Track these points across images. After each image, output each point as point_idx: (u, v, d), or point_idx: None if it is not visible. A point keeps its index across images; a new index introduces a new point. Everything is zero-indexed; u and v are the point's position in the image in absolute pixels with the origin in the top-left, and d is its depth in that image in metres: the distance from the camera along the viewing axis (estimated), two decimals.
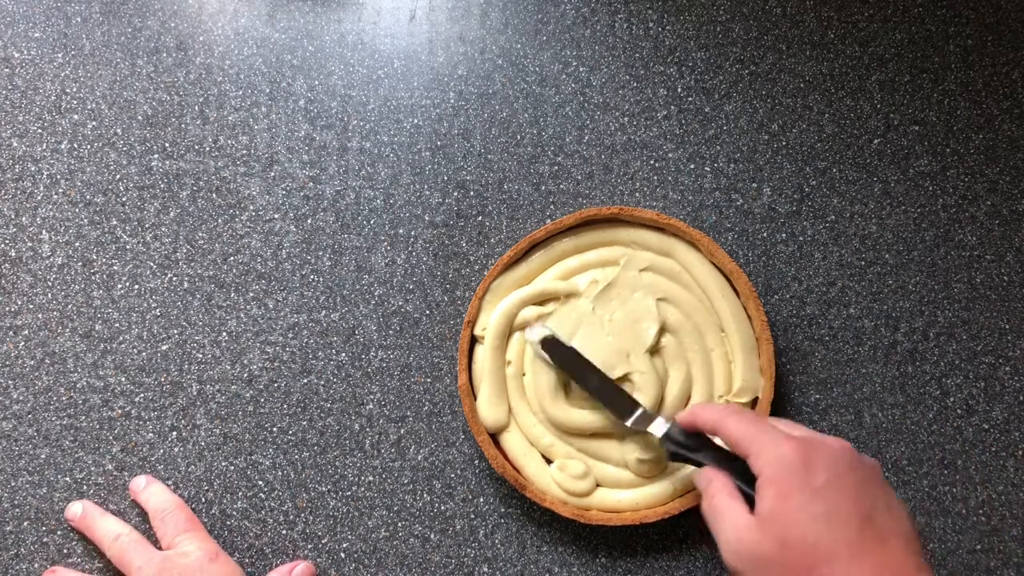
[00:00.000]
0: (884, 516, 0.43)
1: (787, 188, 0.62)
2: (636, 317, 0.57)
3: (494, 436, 0.58)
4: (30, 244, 0.61)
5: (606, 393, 0.56)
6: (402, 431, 0.60)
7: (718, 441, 0.50)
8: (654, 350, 0.58)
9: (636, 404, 0.55)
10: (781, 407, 0.60)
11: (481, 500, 0.59)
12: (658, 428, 0.53)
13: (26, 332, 0.61)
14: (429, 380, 0.60)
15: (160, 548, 0.57)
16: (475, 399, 0.58)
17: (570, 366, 0.56)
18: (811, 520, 0.42)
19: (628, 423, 0.54)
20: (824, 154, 0.62)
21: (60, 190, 0.62)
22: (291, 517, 0.59)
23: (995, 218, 0.62)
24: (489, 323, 0.58)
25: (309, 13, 0.64)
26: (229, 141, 0.62)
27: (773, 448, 0.44)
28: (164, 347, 0.61)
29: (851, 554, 0.41)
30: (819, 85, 0.63)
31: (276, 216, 0.62)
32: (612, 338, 0.57)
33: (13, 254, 0.61)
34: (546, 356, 0.56)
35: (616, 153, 0.62)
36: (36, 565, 0.59)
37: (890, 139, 0.63)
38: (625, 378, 0.57)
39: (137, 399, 0.60)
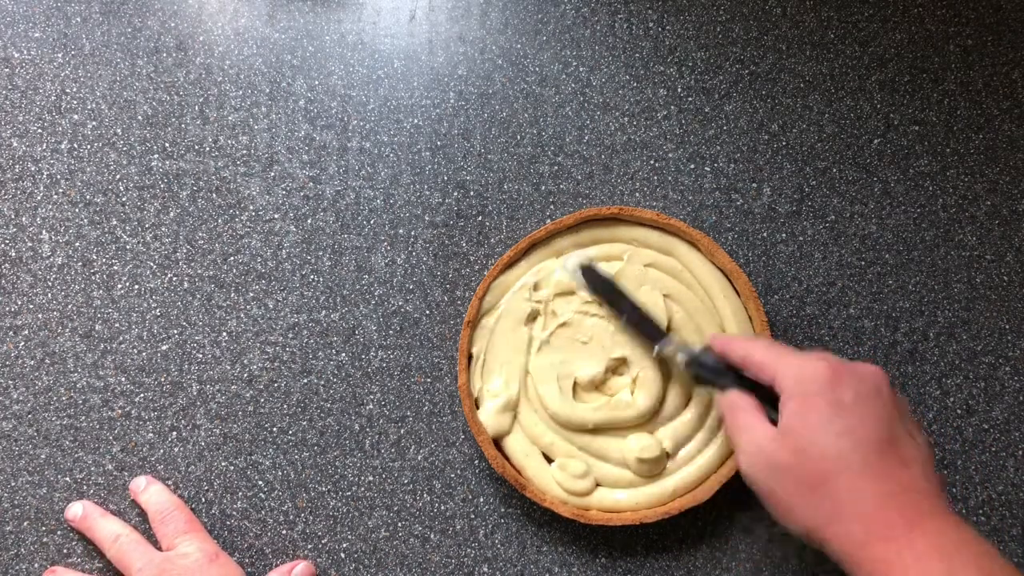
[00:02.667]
0: (908, 443, 0.43)
1: (787, 188, 0.62)
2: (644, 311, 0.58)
3: (495, 437, 0.58)
4: (30, 244, 0.61)
5: (636, 320, 0.56)
6: (402, 431, 0.60)
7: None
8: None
9: (664, 331, 0.56)
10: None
11: (481, 500, 0.59)
12: (685, 353, 0.53)
13: (26, 332, 0.61)
14: (429, 380, 0.60)
15: (160, 549, 0.57)
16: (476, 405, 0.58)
17: (605, 292, 0.57)
18: (832, 434, 0.42)
19: (656, 350, 0.55)
20: (824, 154, 0.62)
21: (60, 190, 0.62)
22: (291, 517, 0.59)
23: (995, 218, 0.62)
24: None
25: (309, 13, 0.64)
26: (229, 141, 0.62)
27: (799, 367, 0.45)
28: (164, 347, 0.61)
29: (867, 470, 0.41)
30: (819, 85, 0.63)
31: (276, 216, 0.62)
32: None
33: (13, 254, 0.61)
34: (583, 280, 0.57)
35: (616, 153, 0.62)
36: (36, 565, 0.59)
37: (890, 139, 0.63)
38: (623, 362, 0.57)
39: (137, 399, 0.60)
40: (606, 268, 0.58)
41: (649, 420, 0.57)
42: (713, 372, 0.52)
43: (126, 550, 0.56)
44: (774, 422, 0.46)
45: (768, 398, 0.48)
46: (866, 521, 0.41)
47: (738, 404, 0.48)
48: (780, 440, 0.44)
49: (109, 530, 0.57)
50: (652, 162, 0.62)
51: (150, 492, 0.58)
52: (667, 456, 0.57)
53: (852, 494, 0.41)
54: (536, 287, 0.58)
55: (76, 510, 0.58)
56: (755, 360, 0.48)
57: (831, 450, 0.42)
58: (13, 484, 0.59)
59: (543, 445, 0.58)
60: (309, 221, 0.62)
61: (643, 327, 0.56)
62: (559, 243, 0.59)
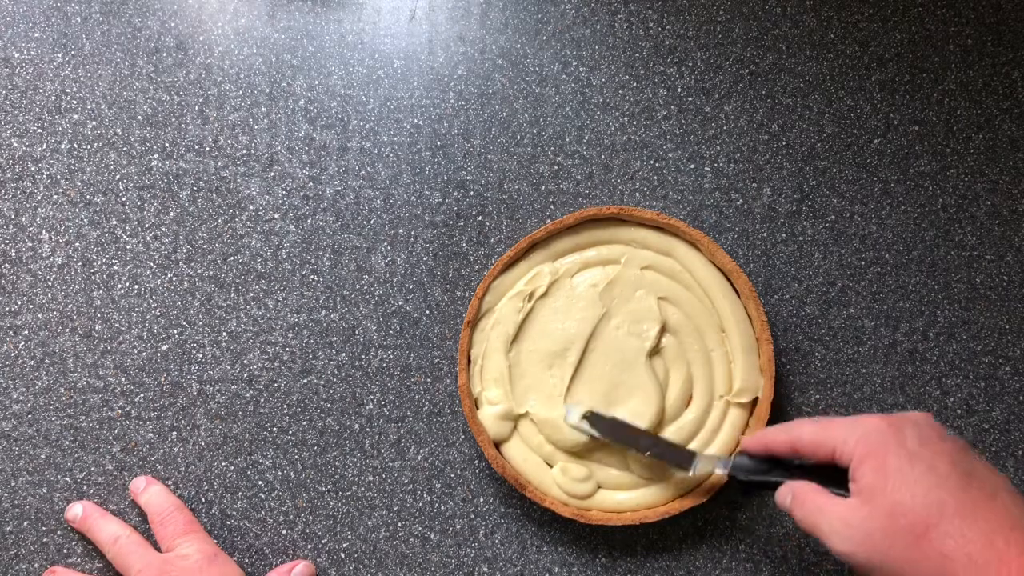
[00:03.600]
0: (985, 473, 0.42)
1: (787, 188, 0.62)
2: (638, 317, 0.57)
3: (494, 441, 0.58)
4: (30, 244, 0.61)
5: (660, 451, 0.55)
6: (402, 431, 0.60)
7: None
8: (654, 351, 0.58)
9: (692, 453, 0.54)
10: (781, 407, 0.60)
11: (481, 500, 0.59)
12: (724, 467, 0.52)
13: (26, 332, 0.61)
14: (429, 380, 0.60)
15: (160, 550, 0.57)
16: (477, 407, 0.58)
17: (618, 434, 0.56)
18: (915, 482, 0.41)
19: (691, 473, 0.54)
20: (824, 154, 0.62)
21: (60, 190, 0.62)
22: (291, 517, 0.59)
23: (995, 218, 0.62)
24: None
25: (309, 13, 0.64)
26: (229, 141, 0.62)
27: (857, 428, 0.44)
28: (164, 347, 0.61)
29: (962, 510, 0.40)
30: (819, 85, 0.63)
31: (276, 216, 0.62)
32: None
33: (13, 254, 0.61)
34: (593, 432, 0.56)
35: (616, 153, 0.62)
36: (36, 565, 0.59)
37: (890, 139, 0.63)
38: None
39: (137, 399, 0.60)
40: (606, 413, 0.57)
41: (655, 423, 0.57)
42: (758, 473, 0.49)
43: (126, 552, 0.56)
44: (841, 496, 0.44)
45: (823, 477, 0.46)
46: (978, 565, 0.39)
47: (802, 492, 0.46)
48: (867, 506, 0.42)
49: (109, 532, 0.57)
50: (652, 162, 0.62)
51: (149, 493, 0.58)
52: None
53: (957, 540, 0.39)
54: (531, 296, 0.58)
55: (76, 511, 0.58)
56: (805, 442, 0.46)
57: (921, 498, 0.40)
58: (13, 484, 0.59)
59: (543, 454, 0.58)
60: (309, 221, 0.62)
61: (669, 456, 0.54)
62: (559, 243, 0.59)
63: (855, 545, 0.42)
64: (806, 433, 0.46)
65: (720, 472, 0.52)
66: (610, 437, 0.55)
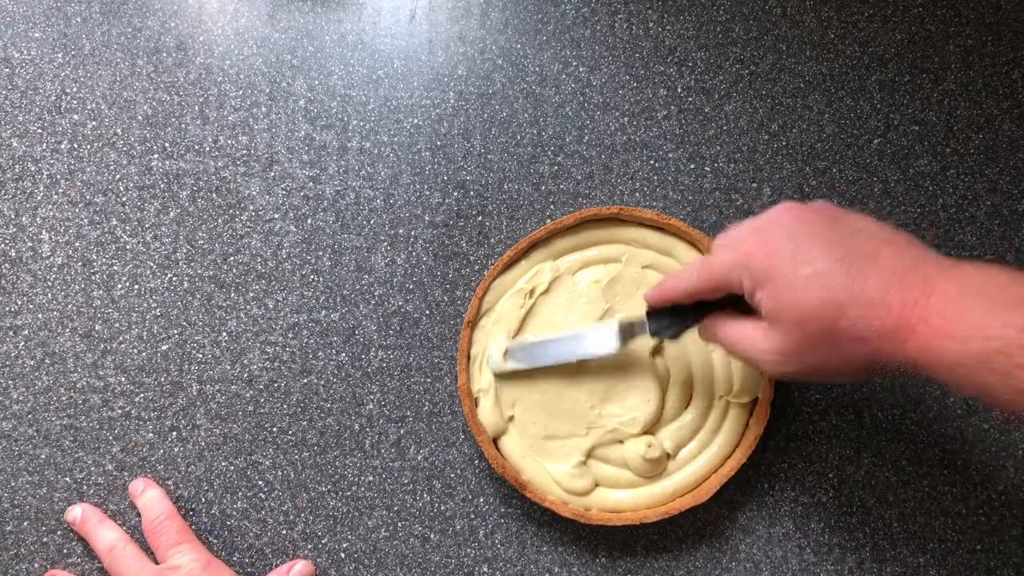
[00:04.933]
0: (860, 239, 0.43)
1: (787, 188, 0.62)
2: (641, 313, 0.57)
3: (494, 438, 0.58)
4: (30, 244, 0.61)
5: (581, 348, 0.56)
6: (402, 431, 0.60)
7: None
8: (656, 350, 0.58)
9: (609, 328, 0.55)
10: (781, 407, 0.60)
11: (481, 500, 0.59)
12: (642, 329, 0.53)
13: (26, 332, 0.61)
14: (429, 380, 0.60)
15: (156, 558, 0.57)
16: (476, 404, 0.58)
17: (538, 355, 0.56)
18: (804, 289, 0.42)
19: (615, 350, 0.54)
20: (824, 154, 0.62)
21: (60, 190, 0.62)
22: (291, 517, 0.59)
23: (995, 218, 0.62)
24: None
25: (309, 13, 0.64)
26: (229, 141, 0.62)
27: (736, 262, 0.45)
28: (164, 347, 0.61)
29: (854, 293, 0.41)
30: (819, 85, 0.63)
31: (276, 216, 0.62)
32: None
33: (13, 254, 0.61)
34: (517, 366, 0.56)
35: (616, 153, 0.62)
36: (36, 565, 0.59)
37: (890, 139, 0.62)
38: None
39: (137, 399, 0.60)
40: (520, 344, 0.57)
41: (653, 421, 0.57)
42: (677, 324, 0.51)
43: (120, 563, 0.56)
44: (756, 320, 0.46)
45: (729, 302, 0.48)
46: (886, 324, 0.41)
47: (718, 326, 0.48)
48: (775, 327, 0.44)
49: (106, 540, 0.57)
50: (652, 162, 0.62)
51: (145, 498, 0.58)
52: (668, 456, 0.57)
53: (859, 316, 0.41)
54: (532, 293, 0.58)
55: (75, 513, 0.58)
56: (699, 288, 0.48)
57: (815, 300, 0.42)
58: (13, 484, 0.59)
59: (539, 443, 0.58)
60: (309, 221, 0.62)
61: (592, 347, 0.55)
62: (559, 243, 0.59)
63: (784, 365, 0.45)
64: (696, 281, 0.48)
65: (644, 336, 0.53)
66: (532, 363, 0.56)
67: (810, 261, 0.43)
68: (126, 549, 0.57)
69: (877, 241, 0.43)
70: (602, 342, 0.55)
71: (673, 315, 0.51)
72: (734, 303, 0.48)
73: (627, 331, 0.54)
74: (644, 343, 0.57)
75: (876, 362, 0.42)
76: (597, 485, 0.57)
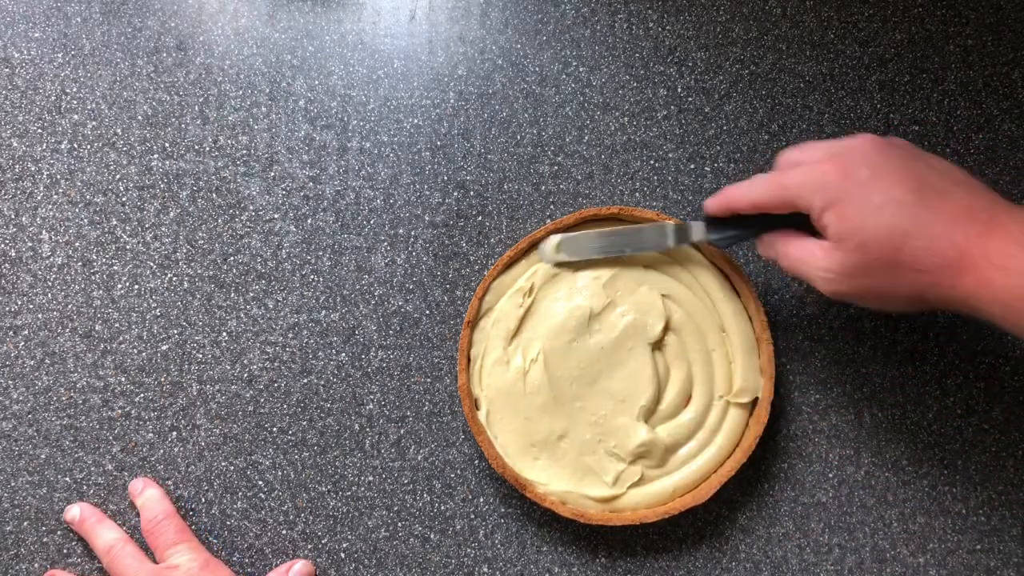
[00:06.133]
0: (935, 175, 0.45)
1: None
2: (643, 309, 0.57)
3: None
4: (30, 244, 0.61)
5: (637, 240, 0.57)
6: (402, 431, 0.60)
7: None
8: (657, 346, 0.58)
9: (664, 225, 0.56)
10: (781, 407, 0.60)
11: (481, 500, 0.59)
12: (699, 233, 0.54)
13: (26, 332, 0.61)
14: (429, 380, 0.60)
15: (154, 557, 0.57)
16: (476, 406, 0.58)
17: (590, 249, 0.57)
18: (874, 214, 0.44)
19: (671, 246, 0.56)
20: None
21: (60, 190, 0.62)
22: (291, 517, 0.59)
23: None
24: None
25: (309, 13, 0.64)
26: (229, 141, 0.62)
27: (810, 179, 0.46)
28: (164, 347, 0.61)
29: (921, 225, 0.43)
30: (819, 85, 0.63)
31: (276, 216, 0.62)
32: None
33: (13, 254, 0.61)
34: (567, 257, 0.57)
35: (616, 153, 0.62)
36: (36, 565, 0.59)
37: None
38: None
39: (137, 399, 0.60)
40: (575, 239, 0.58)
41: (649, 413, 0.57)
42: (733, 233, 0.52)
43: (119, 562, 0.56)
44: (818, 236, 0.47)
45: (794, 220, 0.49)
46: (948, 260, 0.43)
47: (781, 243, 0.49)
48: (839, 249, 0.45)
49: (104, 539, 0.57)
50: (652, 162, 0.62)
51: (144, 497, 0.58)
52: (667, 450, 0.57)
53: (924, 248, 0.43)
54: (531, 290, 0.58)
55: (74, 513, 0.58)
56: (766, 202, 0.49)
57: (884, 227, 0.44)
58: (13, 484, 0.59)
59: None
60: (309, 221, 0.62)
61: (647, 239, 0.56)
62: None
63: (839, 284, 0.46)
64: (764, 194, 0.49)
65: (700, 239, 0.54)
66: (584, 254, 0.57)
67: (884, 189, 0.44)
68: (125, 549, 0.57)
69: (950, 180, 0.45)
70: (657, 238, 0.56)
71: (732, 225, 0.52)
72: (795, 223, 0.49)
73: (683, 233, 0.55)
74: (651, 332, 0.57)
75: (931, 294, 0.44)
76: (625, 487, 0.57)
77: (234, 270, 0.61)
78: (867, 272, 0.45)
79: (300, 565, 0.57)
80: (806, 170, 0.47)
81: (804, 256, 0.48)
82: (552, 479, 0.57)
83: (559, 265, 0.58)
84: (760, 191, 0.49)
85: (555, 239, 0.58)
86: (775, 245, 0.50)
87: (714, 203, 0.53)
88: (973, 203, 0.44)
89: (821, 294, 0.61)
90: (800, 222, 0.49)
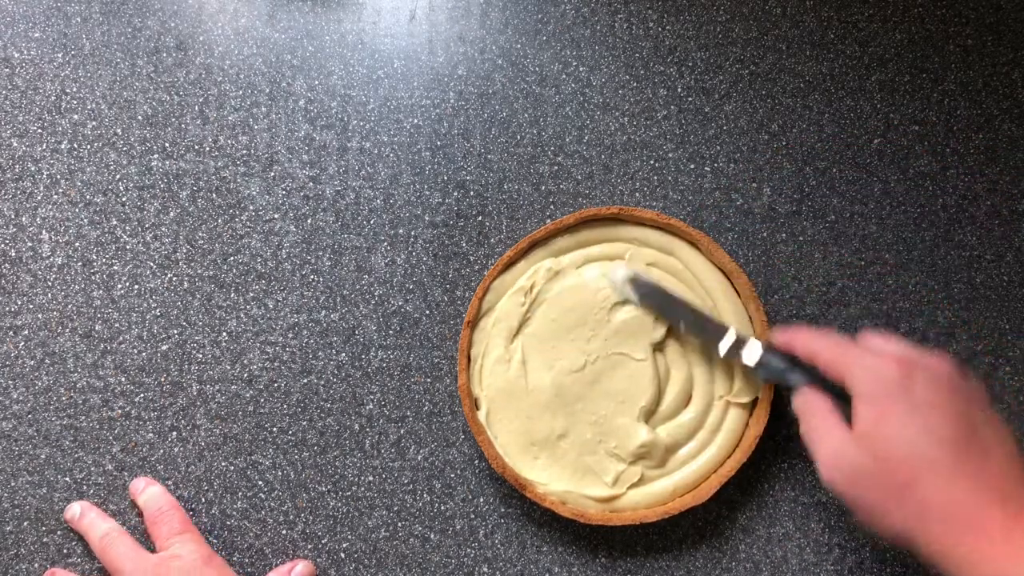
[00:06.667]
0: (986, 433, 0.42)
1: (787, 188, 0.62)
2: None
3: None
4: (30, 244, 0.61)
5: (696, 323, 0.56)
6: (402, 431, 0.60)
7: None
8: (658, 346, 0.58)
9: (725, 327, 0.55)
10: (781, 407, 0.60)
11: (481, 500, 0.59)
12: (752, 354, 0.53)
13: (26, 332, 0.61)
14: (429, 380, 0.60)
15: (154, 550, 0.57)
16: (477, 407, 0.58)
17: (656, 301, 0.57)
18: (910, 436, 0.42)
19: (721, 353, 0.54)
20: (824, 154, 0.62)
21: (60, 190, 0.62)
22: (291, 517, 0.59)
23: (995, 218, 0.62)
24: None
25: (309, 13, 0.64)
26: (229, 141, 0.62)
27: (870, 366, 0.44)
28: (164, 347, 0.61)
29: (951, 468, 0.41)
30: (819, 85, 0.63)
31: (276, 216, 0.62)
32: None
33: (13, 254, 0.61)
34: (633, 293, 0.56)
35: (616, 153, 0.62)
36: (36, 565, 0.59)
37: (890, 139, 0.63)
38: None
39: (137, 399, 0.60)
40: (650, 276, 0.57)
41: (650, 413, 0.57)
42: (781, 371, 0.50)
43: (114, 550, 0.56)
44: (850, 418, 0.45)
45: (838, 391, 0.47)
46: (958, 519, 0.40)
47: (812, 407, 0.47)
48: (859, 446, 0.43)
49: (99, 529, 0.57)
50: (652, 162, 0.62)
51: (147, 493, 0.58)
52: (667, 450, 0.57)
53: (940, 494, 0.41)
54: (531, 288, 0.58)
55: (74, 511, 0.58)
56: (823, 359, 0.47)
57: (912, 452, 0.41)
58: (13, 484, 0.59)
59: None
60: (309, 221, 0.62)
61: (705, 330, 0.55)
62: (559, 243, 0.59)
63: (841, 479, 0.43)
64: (825, 352, 0.47)
65: (748, 360, 0.53)
66: (648, 303, 0.56)
67: (934, 419, 0.42)
68: (120, 538, 0.56)
69: (999, 446, 0.42)
70: (714, 335, 0.54)
71: (785, 361, 0.51)
72: (842, 399, 0.47)
73: (739, 347, 0.54)
74: (654, 332, 0.57)
75: (920, 540, 0.41)
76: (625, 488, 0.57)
77: (234, 270, 0.61)
78: (873, 481, 0.42)
79: (302, 566, 0.57)
80: (874, 356, 0.45)
81: (823, 431, 0.45)
82: (552, 479, 0.57)
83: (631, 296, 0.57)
84: (823, 346, 0.47)
85: (627, 274, 0.57)
86: (806, 404, 0.47)
87: (782, 336, 0.51)
88: (1009, 477, 0.41)
89: (821, 295, 0.61)
90: (846, 402, 0.46)
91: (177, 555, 0.55)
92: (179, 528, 0.56)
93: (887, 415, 0.43)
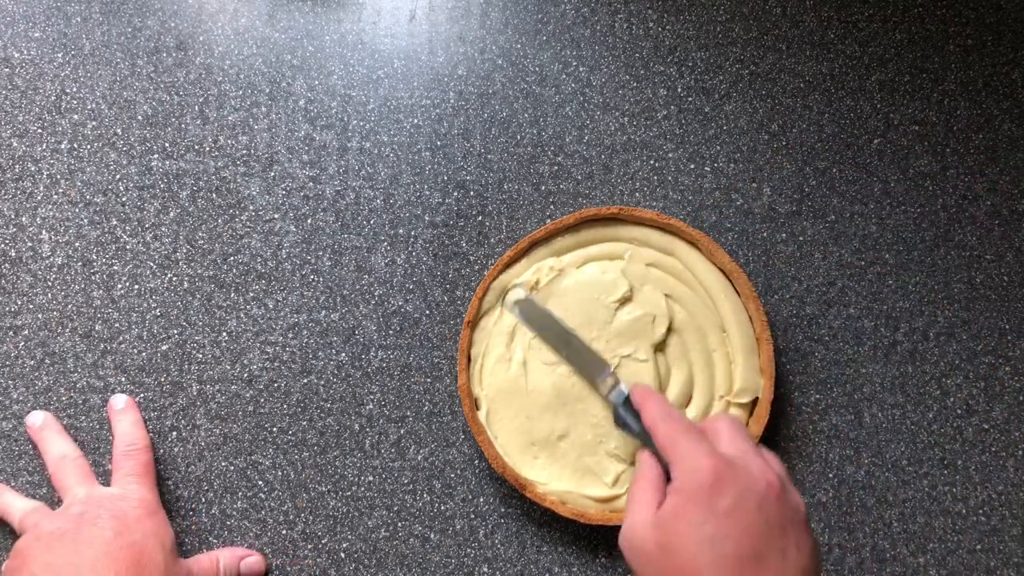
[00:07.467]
0: (776, 562, 0.42)
1: (787, 188, 0.62)
2: (647, 310, 0.57)
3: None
4: (30, 244, 0.61)
5: (578, 358, 0.55)
6: (402, 431, 0.60)
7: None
8: (659, 347, 0.58)
9: (606, 368, 0.54)
10: (781, 407, 0.60)
11: (481, 500, 0.59)
12: (616, 396, 0.52)
13: (26, 332, 0.61)
14: (429, 380, 0.60)
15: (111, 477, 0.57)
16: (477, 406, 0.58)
17: (544, 328, 0.55)
18: (697, 540, 0.42)
19: (602, 392, 0.53)
20: (824, 154, 0.62)
21: (60, 190, 0.62)
22: (291, 517, 0.59)
23: (995, 218, 0.62)
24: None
25: (309, 13, 0.64)
26: (229, 141, 0.62)
27: (691, 460, 0.44)
28: (164, 347, 0.61)
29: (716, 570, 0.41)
30: (819, 85, 0.63)
31: (276, 216, 0.62)
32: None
33: (13, 254, 0.61)
34: (520, 318, 0.56)
35: (616, 153, 0.62)
36: None
37: (890, 139, 0.63)
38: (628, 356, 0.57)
39: (137, 399, 0.60)
40: (540, 302, 0.57)
41: None
42: (634, 426, 0.50)
43: (68, 473, 0.56)
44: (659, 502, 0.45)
45: None
46: None
47: (641, 472, 0.47)
48: (653, 529, 0.43)
49: (58, 448, 0.57)
50: (652, 162, 0.62)
51: (125, 420, 0.58)
52: None
53: None
54: (536, 284, 0.58)
55: (36, 419, 0.58)
56: (657, 436, 0.47)
57: (692, 557, 0.41)
58: (13, 484, 0.59)
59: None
60: (309, 221, 0.62)
61: (584, 365, 0.54)
62: (559, 243, 0.59)
63: (629, 552, 0.45)
64: (661, 436, 0.47)
65: (613, 400, 0.52)
66: (536, 328, 0.56)
67: (723, 533, 0.42)
68: (77, 462, 0.56)
69: (787, 565, 0.42)
70: (593, 380, 0.54)
71: (637, 422, 0.50)
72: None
73: (611, 389, 0.53)
74: (655, 333, 0.57)
75: None
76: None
77: (234, 270, 0.61)
78: (649, 567, 0.43)
79: (255, 558, 0.57)
80: (698, 450, 0.44)
81: (637, 499, 0.45)
82: (552, 479, 0.57)
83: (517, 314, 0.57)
84: (661, 428, 0.47)
85: (521, 294, 0.56)
86: (640, 466, 0.47)
87: (638, 396, 0.50)
88: None
89: (821, 295, 0.61)
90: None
91: (125, 496, 0.54)
92: (140, 469, 0.56)
93: (685, 513, 0.42)
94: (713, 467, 0.43)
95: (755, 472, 0.44)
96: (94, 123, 0.63)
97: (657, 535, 0.43)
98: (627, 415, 0.50)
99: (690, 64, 0.63)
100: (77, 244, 0.61)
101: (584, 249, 0.59)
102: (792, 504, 0.44)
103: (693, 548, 0.42)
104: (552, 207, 0.62)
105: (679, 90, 0.63)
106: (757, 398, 0.57)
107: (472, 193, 0.62)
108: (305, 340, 0.61)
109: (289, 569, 0.58)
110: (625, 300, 0.58)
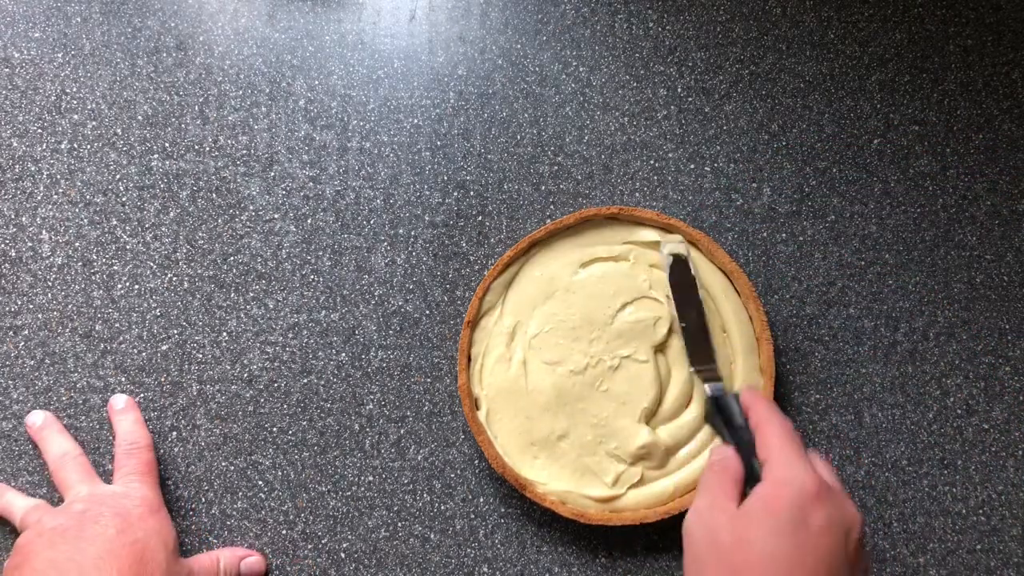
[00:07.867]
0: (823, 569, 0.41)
1: (787, 188, 0.62)
2: (648, 311, 0.57)
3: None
4: (30, 244, 0.61)
5: (691, 336, 0.56)
6: (402, 431, 0.60)
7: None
8: (660, 347, 0.58)
9: (712, 360, 0.56)
10: (781, 407, 0.60)
11: (481, 500, 0.59)
12: (710, 389, 0.53)
13: (26, 332, 0.61)
14: (429, 380, 0.60)
15: (113, 476, 0.56)
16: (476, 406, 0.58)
17: (680, 289, 0.57)
18: (776, 546, 0.41)
19: (692, 368, 0.55)
20: (824, 154, 0.62)
21: (60, 190, 0.62)
22: (291, 517, 0.59)
23: (995, 218, 0.62)
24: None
25: (309, 13, 0.64)
26: (229, 141, 0.62)
27: (794, 470, 0.43)
28: (164, 347, 0.61)
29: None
30: (819, 85, 0.63)
31: (276, 216, 0.62)
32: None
33: (13, 254, 0.61)
34: (666, 266, 0.57)
35: (616, 153, 0.62)
36: None
37: (890, 139, 0.63)
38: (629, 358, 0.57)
39: (137, 399, 0.60)
40: (695, 267, 0.57)
41: (651, 415, 0.57)
42: (725, 420, 0.50)
43: (70, 471, 0.55)
44: (744, 496, 0.45)
45: (750, 475, 0.47)
46: None
47: (726, 465, 0.47)
48: (735, 520, 0.43)
49: (59, 446, 0.57)
50: (652, 162, 0.62)
51: (126, 420, 0.58)
52: (667, 451, 0.57)
53: None
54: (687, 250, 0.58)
55: (36, 418, 0.58)
56: (763, 434, 0.46)
57: (766, 561, 0.41)
58: (13, 484, 0.59)
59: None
60: (309, 221, 0.62)
61: (695, 344, 0.56)
62: (559, 243, 0.59)
63: (697, 531, 0.44)
64: (768, 433, 0.46)
65: (708, 391, 0.53)
66: (673, 284, 0.57)
67: (805, 549, 0.41)
68: (78, 460, 0.56)
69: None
70: (695, 358, 0.56)
71: (730, 413, 0.50)
72: (748, 480, 0.47)
73: (707, 376, 0.54)
74: (656, 334, 0.57)
75: None
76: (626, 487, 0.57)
77: (234, 270, 0.61)
78: (717, 555, 0.42)
79: (255, 558, 0.57)
80: (802, 462, 0.44)
81: (715, 487, 0.45)
82: (552, 479, 0.57)
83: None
84: (771, 426, 0.46)
85: (678, 249, 0.57)
86: (722, 459, 0.47)
87: (749, 393, 0.50)
88: None
89: (821, 295, 0.61)
90: (748, 484, 0.46)
91: (126, 494, 0.54)
92: (142, 468, 0.56)
93: (773, 515, 0.42)
94: (817, 483, 0.43)
95: (850, 508, 0.44)
96: (94, 123, 0.63)
97: (738, 526, 0.42)
98: (720, 410, 0.51)
99: (690, 64, 0.63)
100: (77, 244, 0.61)
101: (591, 248, 0.59)
102: (866, 555, 0.44)
103: (770, 553, 0.41)
104: (552, 207, 0.62)
105: (679, 90, 0.63)
106: None
107: (472, 193, 0.62)
108: (305, 340, 0.61)
109: (289, 569, 0.58)
110: (627, 302, 0.58)
